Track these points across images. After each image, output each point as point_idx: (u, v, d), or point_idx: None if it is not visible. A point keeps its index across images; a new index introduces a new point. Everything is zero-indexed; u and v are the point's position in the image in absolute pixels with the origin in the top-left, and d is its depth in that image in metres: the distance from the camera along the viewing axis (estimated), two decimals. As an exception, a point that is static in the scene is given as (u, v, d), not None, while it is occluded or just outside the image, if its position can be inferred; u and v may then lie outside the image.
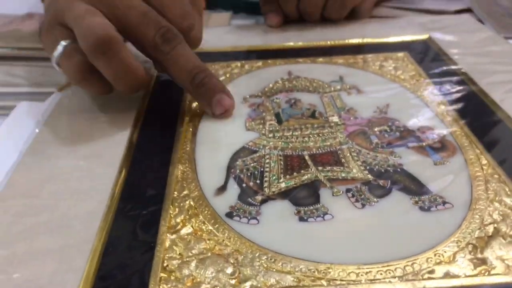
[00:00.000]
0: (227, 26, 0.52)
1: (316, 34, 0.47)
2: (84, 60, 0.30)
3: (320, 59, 0.42)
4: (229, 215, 0.26)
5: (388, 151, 0.30)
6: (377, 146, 0.31)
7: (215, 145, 0.32)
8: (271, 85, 0.39)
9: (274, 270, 0.23)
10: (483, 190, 0.27)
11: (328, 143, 0.31)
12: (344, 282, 0.22)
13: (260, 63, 0.42)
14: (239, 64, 0.42)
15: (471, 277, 0.22)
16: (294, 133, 0.32)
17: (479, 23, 0.49)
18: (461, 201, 0.26)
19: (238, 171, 0.29)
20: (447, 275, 0.22)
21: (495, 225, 0.24)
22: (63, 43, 0.31)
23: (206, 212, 0.26)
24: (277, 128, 0.33)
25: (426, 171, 0.28)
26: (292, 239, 0.24)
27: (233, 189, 0.28)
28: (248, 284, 0.22)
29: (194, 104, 0.36)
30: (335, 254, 0.23)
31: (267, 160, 0.30)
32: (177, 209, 0.26)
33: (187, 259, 0.23)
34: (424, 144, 0.31)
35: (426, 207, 0.26)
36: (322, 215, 0.26)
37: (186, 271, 0.23)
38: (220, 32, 0.48)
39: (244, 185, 0.28)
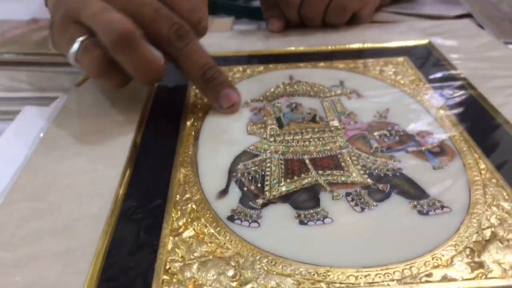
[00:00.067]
0: (229, 31, 0.52)
1: (317, 39, 0.47)
2: (102, 54, 0.31)
3: (321, 64, 0.43)
4: (231, 218, 0.26)
5: (387, 155, 0.30)
6: (377, 150, 0.31)
7: (217, 148, 0.32)
8: (272, 90, 0.39)
9: (275, 273, 0.23)
10: (481, 195, 0.27)
11: (328, 147, 0.32)
12: (343, 285, 0.22)
13: (261, 68, 0.43)
14: (241, 68, 0.42)
15: (468, 280, 0.22)
16: (295, 137, 0.33)
17: (479, 28, 0.49)
18: (459, 205, 0.26)
19: (239, 174, 0.29)
20: (444, 279, 0.22)
21: (493, 229, 0.25)
22: (80, 39, 0.31)
23: (207, 215, 0.27)
24: (278, 132, 0.33)
25: (425, 176, 0.29)
26: (292, 242, 0.25)
27: (235, 193, 0.28)
28: (248, 286, 0.22)
29: (197, 108, 0.37)
30: (334, 257, 0.24)
31: (268, 164, 0.30)
32: (179, 212, 0.27)
33: (189, 261, 0.24)
34: (423, 148, 0.31)
35: (424, 211, 0.26)
36: (322, 219, 0.26)
37: (188, 274, 0.23)
38: (222, 37, 0.49)
39: (245, 188, 0.28)
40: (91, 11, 0.31)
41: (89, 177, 0.29)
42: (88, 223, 0.26)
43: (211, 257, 0.24)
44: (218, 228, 0.26)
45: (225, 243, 0.25)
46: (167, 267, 0.23)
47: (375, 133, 0.33)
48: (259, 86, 0.39)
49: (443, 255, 0.23)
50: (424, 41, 0.45)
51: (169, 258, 0.24)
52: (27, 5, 0.58)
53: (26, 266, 0.23)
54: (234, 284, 0.22)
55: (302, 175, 0.29)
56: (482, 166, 0.29)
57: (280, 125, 0.34)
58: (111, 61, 0.31)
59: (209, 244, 0.25)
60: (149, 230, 0.25)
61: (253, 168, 0.30)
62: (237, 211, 0.27)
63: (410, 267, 0.23)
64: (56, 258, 0.24)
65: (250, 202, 0.27)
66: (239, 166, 0.30)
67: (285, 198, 0.28)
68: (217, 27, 0.53)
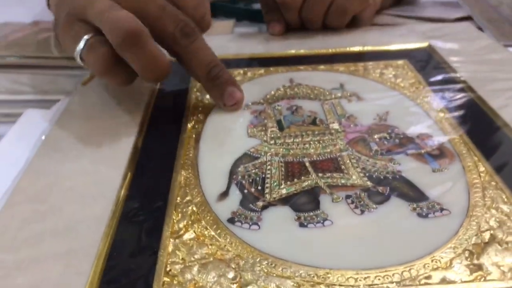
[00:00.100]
0: (230, 34, 0.52)
1: (318, 42, 0.47)
2: (108, 52, 0.31)
3: (322, 67, 0.43)
4: (231, 220, 0.26)
5: (387, 158, 0.31)
6: (377, 153, 0.31)
7: (217, 151, 0.33)
8: (273, 92, 0.39)
9: (275, 275, 0.23)
10: (480, 197, 0.27)
11: (329, 150, 0.32)
12: (343, 287, 0.22)
13: (262, 71, 0.43)
14: (241, 71, 0.43)
15: (467, 282, 0.22)
16: (295, 140, 0.33)
17: (479, 31, 0.49)
18: (459, 207, 0.26)
19: (240, 177, 0.30)
20: (443, 281, 0.22)
21: (492, 231, 0.25)
22: (85, 37, 0.32)
23: (208, 217, 0.27)
24: (279, 135, 0.34)
25: (424, 178, 0.29)
26: (292, 245, 0.25)
27: (235, 195, 0.28)
28: (249, 288, 0.22)
29: (198, 110, 0.37)
30: (334, 260, 0.24)
31: (269, 167, 0.31)
32: (180, 215, 0.27)
33: (190, 263, 0.24)
34: (423, 151, 0.31)
35: (424, 214, 0.26)
36: (321, 221, 0.26)
37: (188, 276, 0.23)
38: (223, 40, 0.49)
39: (245, 191, 0.29)
40: (97, 9, 0.31)
41: (91, 179, 0.29)
42: (89, 225, 0.26)
43: (211, 259, 0.24)
44: (219, 230, 0.26)
45: (225, 245, 0.25)
46: (168, 269, 0.24)
47: (375, 136, 0.33)
48: (260, 89, 0.40)
49: (442, 258, 0.23)
50: (424, 44, 0.46)
51: (170, 260, 0.24)
52: (29, 8, 0.58)
53: (28, 268, 0.24)
54: (235, 286, 0.23)
55: (302, 177, 0.29)
56: (482, 168, 0.29)
57: (281, 128, 0.34)
58: (117, 59, 0.31)
59: (210, 246, 0.25)
60: (150, 232, 0.26)
61: (253, 171, 0.30)
62: (237, 214, 0.27)
63: (409, 269, 0.23)
64: (57, 259, 0.24)
65: (251, 205, 0.27)
66: (239, 169, 0.30)
67: (285, 200, 0.28)
68: (218, 29, 0.53)
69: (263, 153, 0.32)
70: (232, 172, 0.30)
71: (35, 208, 0.27)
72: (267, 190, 0.28)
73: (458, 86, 0.38)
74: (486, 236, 0.25)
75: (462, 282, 0.22)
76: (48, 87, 0.41)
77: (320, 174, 0.30)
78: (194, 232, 0.26)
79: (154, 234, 0.25)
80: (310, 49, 0.46)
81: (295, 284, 0.23)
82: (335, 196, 0.28)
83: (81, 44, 0.32)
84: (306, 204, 0.27)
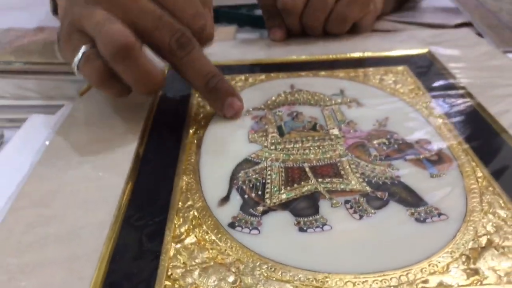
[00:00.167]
0: (233, 40, 0.53)
1: (319, 48, 0.48)
2: (103, 64, 0.32)
3: (322, 73, 0.43)
4: (232, 225, 0.27)
5: (386, 163, 0.31)
6: (376, 158, 0.32)
7: (219, 156, 0.33)
8: (273, 98, 0.40)
9: (274, 279, 0.23)
10: (478, 202, 0.27)
11: (328, 156, 0.32)
12: (341, 291, 0.23)
13: (263, 76, 0.43)
14: (243, 77, 0.43)
15: (464, 287, 0.22)
16: (295, 146, 0.33)
17: (478, 37, 0.49)
18: (456, 212, 0.27)
19: (240, 182, 0.30)
20: (440, 285, 0.23)
21: (489, 236, 0.25)
22: (82, 49, 0.32)
23: (209, 222, 0.27)
24: (279, 141, 0.34)
25: (422, 184, 0.29)
26: (291, 249, 0.25)
27: (236, 200, 0.29)
28: (248, 292, 0.23)
29: (199, 116, 0.37)
30: (333, 264, 0.24)
31: (269, 172, 0.31)
32: (181, 219, 0.27)
33: (191, 267, 0.24)
34: (421, 157, 0.31)
35: (421, 219, 0.27)
36: (321, 226, 0.26)
37: (189, 280, 0.24)
38: (225, 47, 0.50)
39: (246, 196, 0.29)
40: (94, 21, 0.31)
41: (94, 185, 0.30)
42: (92, 230, 0.26)
43: (212, 263, 0.24)
44: (219, 235, 0.26)
45: (226, 250, 0.25)
46: (169, 273, 0.24)
47: (374, 142, 0.33)
48: (261, 94, 0.40)
49: (439, 262, 0.24)
50: (424, 50, 0.46)
51: (171, 264, 0.24)
52: (33, 14, 0.59)
53: (32, 272, 0.24)
54: (235, 290, 0.23)
55: (302, 182, 0.30)
56: (479, 174, 0.30)
57: (281, 134, 0.35)
58: (112, 71, 0.32)
59: (210, 251, 0.25)
60: (152, 237, 0.26)
61: (254, 176, 0.31)
62: (238, 218, 0.27)
63: (407, 274, 0.23)
64: (61, 264, 0.24)
65: (251, 210, 0.28)
66: (240, 174, 0.31)
67: (285, 205, 0.28)
68: (221, 35, 0.54)
69: (263, 159, 0.32)
70: (233, 177, 0.31)
71: (39, 213, 0.28)
72: (267, 195, 0.29)
73: (458, 92, 0.39)
74: (483, 241, 0.25)
75: (459, 286, 0.22)
76: (53, 92, 0.42)
77: (319, 179, 0.30)
78: (195, 236, 0.26)
79: (156, 239, 0.26)
80: (311, 55, 0.46)
81: (294, 288, 0.23)
82: (334, 201, 0.28)
83: (79, 55, 0.32)
84: (305, 209, 0.28)
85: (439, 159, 0.31)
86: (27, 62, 0.43)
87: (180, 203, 0.29)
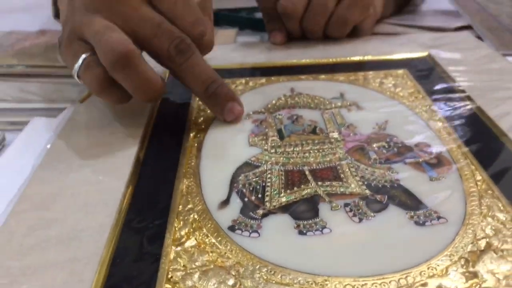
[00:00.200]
0: (233, 43, 0.53)
1: (319, 51, 0.48)
2: (103, 72, 0.32)
3: (322, 76, 0.43)
4: (232, 228, 0.27)
5: (385, 166, 0.31)
6: (375, 161, 0.32)
7: (219, 160, 0.33)
8: (274, 102, 0.40)
9: (274, 282, 0.24)
10: (477, 205, 0.27)
11: (328, 159, 0.32)
12: (340, 294, 0.23)
13: (263, 80, 0.43)
14: (243, 81, 0.43)
15: (462, 290, 0.23)
16: (295, 149, 0.34)
17: (478, 40, 0.50)
18: (455, 216, 0.27)
19: (240, 185, 0.30)
20: (439, 288, 0.23)
21: (487, 239, 0.25)
22: (83, 56, 0.32)
23: (209, 225, 0.27)
24: (279, 144, 0.34)
25: (422, 187, 0.29)
26: (291, 252, 0.25)
27: (236, 203, 0.29)
28: (248, 295, 0.23)
29: (200, 120, 0.38)
30: (332, 267, 0.24)
31: (269, 175, 0.31)
32: (181, 222, 0.27)
33: (191, 270, 0.24)
34: (420, 160, 0.32)
35: (421, 222, 0.27)
36: (320, 229, 0.27)
37: (189, 283, 0.24)
38: (226, 50, 0.50)
39: (246, 199, 0.29)
40: (94, 29, 0.32)
41: (94, 188, 0.30)
42: (93, 233, 0.27)
43: (212, 266, 0.25)
44: (219, 238, 0.26)
45: (225, 253, 0.25)
46: (169, 276, 0.24)
47: (374, 145, 0.33)
48: (261, 98, 0.40)
49: (438, 265, 0.24)
50: (423, 53, 0.46)
51: (171, 267, 0.25)
52: (35, 17, 0.59)
53: (33, 274, 0.24)
54: (234, 292, 0.23)
55: (302, 186, 0.30)
56: (479, 177, 0.30)
57: (281, 137, 0.35)
58: (112, 79, 0.32)
59: (210, 254, 0.25)
60: (152, 240, 0.26)
61: (254, 179, 0.31)
62: (238, 221, 0.27)
63: (406, 277, 0.23)
64: (62, 266, 0.25)
65: (251, 213, 0.28)
66: (240, 177, 0.31)
67: (285, 208, 0.28)
68: (221, 38, 0.54)
69: (263, 162, 0.32)
70: (233, 181, 0.31)
71: (40, 215, 0.28)
72: (267, 198, 0.29)
73: (457, 95, 0.39)
74: (482, 244, 0.25)
75: (458, 289, 0.23)
76: (55, 95, 0.42)
77: (319, 183, 0.30)
78: (196, 239, 0.26)
79: (156, 242, 0.26)
80: (311, 59, 0.46)
81: (293, 291, 0.23)
82: (334, 204, 0.28)
83: (79, 63, 0.32)
84: (305, 212, 0.28)
85: (438, 162, 0.31)
86: (29, 65, 0.43)
87: (180, 206, 0.29)
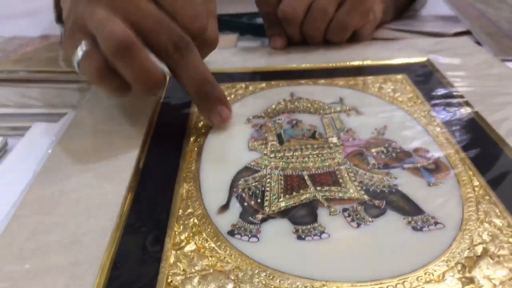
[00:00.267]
0: (234, 48, 0.54)
1: (319, 56, 0.48)
2: (103, 61, 0.32)
3: (322, 81, 0.44)
4: (231, 233, 0.27)
5: (384, 172, 0.31)
6: (374, 167, 0.32)
7: (219, 164, 0.33)
8: (273, 106, 0.40)
9: (272, 286, 0.24)
10: (474, 211, 0.28)
11: (327, 164, 0.33)
12: (338, 299, 0.23)
13: (263, 84, 0.44)
14: (243, 85, 0.44)
15: (459, 295, 0.23)
16: (294, 154, 0.34)
17: (477, 46, 0.50)
18: (453, 221, 0.27)
19: (240, 190, 0.30)
20: (436, 293, 0.23)
21: (484, 245, 0.25)
22: (83, 46, 0.32)
23: (209, 230, 0.27)
24: (279, 149, 0.34)
25: (420, 192, 0.29)
26: (290, 257, 0.26)
27: (235, 208, 0.29)
28: (247, 299, 0.23)
29: (200, 124, 0.38)
30: (330, 272, 0.24)
31: (268, 180, 0.31)
32: (181, 227, 0.28)
33: (190, 275, 0.25)
34: (419, 165, 0.32)
35: (418, 227, 0.27)
36: (319, 234, 0.27)
37: (189, 287, 0.24)
38: (227, 54, 0.50)
39: (245, 204, 0.29)
40: (96, 19, 0.32)
41: (95, 192, 0.30)
42: (94, 237, 0.27)
43: (211, 270, 0.25)
44: (219, 243, 0.27)
45: (225, 257, 0.26)
46: (169, 280, 0.24)
47: (373, 150, 0.34)
48: (261, 102, 0.41)
49: (435, 271, 0.24)
50: (423, 59, 0.46)
51: (171, 271, 0.25)
52: (37, 22, 0.59)
53: (34, 278, 0.24)
54: (233, 297, 0.23)
55: (301, 191, 0.30)
56: (476, 183, 0.30)
57: (281, 142, 0.35)
58: (111, 69, 0.32)
59: (210, 258, 0.26)
60: (152, 244, 0.26)
61: (253, 184, 0.31)
62: (237, 226, 0.28)
63: (403, 282, 0.24)
64: (63, 270, 0.25)
65: (250, 217, 0.28)
66: (240, 182, 0.31)
67: (284, 213, 0.29)
68: (222, 43, 0.54)
69: (263, 166, 0.33)
70: (233, 185, 0.31)
71: (41, 220, 0.28)
72: (266, 203, 0.29)
73: (456, 100, 0.39)
74: (479, 249, 0.25)
75: (454, 294, 0.23)
76: (56, 100, 0.42)
77: (318, 188, 0.30)
78: (195, 244, 0.27)
79: (156, 246, 0.26)
80: (311, 63, 0.47)
81: (292, 296, 0.23)
82: (332, 209, 0.28)
83: (79, 52, 0.33)
84: (304, 217, 0.28)
85: (436, 167, 0.32)
86: (31, 70, 0.44)
87: (180, 210, 0.29)
